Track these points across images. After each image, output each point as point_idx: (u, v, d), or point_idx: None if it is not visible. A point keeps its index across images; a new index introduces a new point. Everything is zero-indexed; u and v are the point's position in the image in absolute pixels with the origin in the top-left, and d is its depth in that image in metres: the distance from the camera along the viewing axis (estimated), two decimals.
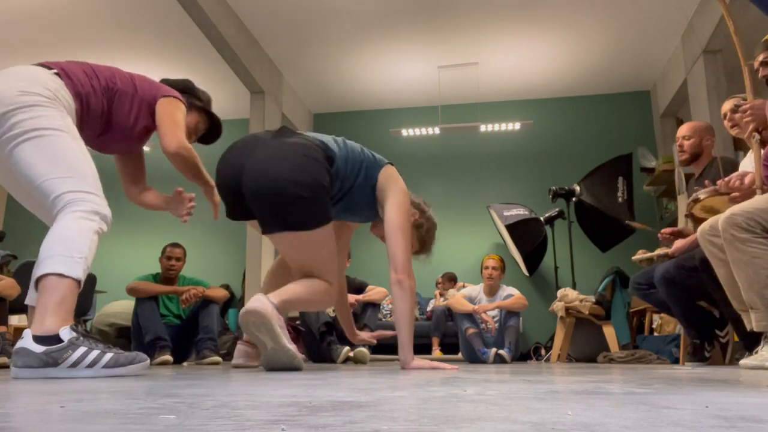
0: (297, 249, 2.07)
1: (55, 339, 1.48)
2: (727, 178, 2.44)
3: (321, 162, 2.03)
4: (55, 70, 1.83)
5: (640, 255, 3.34)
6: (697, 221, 2.73)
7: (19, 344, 1.47)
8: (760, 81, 2.46)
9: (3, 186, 1.88)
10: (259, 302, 1.82)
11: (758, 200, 2.18)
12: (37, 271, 1.57)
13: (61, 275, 1.55)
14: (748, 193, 2.42)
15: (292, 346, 1.85)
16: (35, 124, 1.69)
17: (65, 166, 1.70)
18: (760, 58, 2.48)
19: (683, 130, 3.15)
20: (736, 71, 5.60)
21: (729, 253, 2.16)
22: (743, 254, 2.12)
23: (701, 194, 2.58)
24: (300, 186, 1.93)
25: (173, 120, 1.99)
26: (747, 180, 2.38)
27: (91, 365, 1.48)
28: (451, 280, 5.95)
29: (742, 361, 2.32)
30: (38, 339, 1.46)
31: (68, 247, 1.60)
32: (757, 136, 2.27)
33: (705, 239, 2.39)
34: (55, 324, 1.49)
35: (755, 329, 2.24)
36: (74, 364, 1.46)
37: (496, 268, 4.18)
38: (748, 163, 2.72)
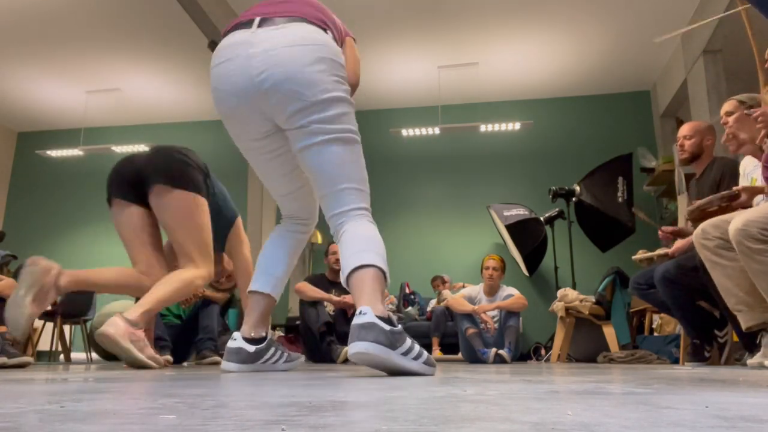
0: (176, 213, 2.34)
1: (388, 321, 1.48)
2: (666, 229, 2.47)
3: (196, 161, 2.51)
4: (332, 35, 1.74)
5: (641, 255, 3.34)
6: (699, 219, 2.73)
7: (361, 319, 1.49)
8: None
9: (255, 167, 1.94)
10: (111, 326, 2.03)
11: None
12: (355, 262, 1.56)
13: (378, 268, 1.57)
14: (751, 195, 2.43)
15: (142, 355, 2.08)
16: (351, 124, 1.68)
17: (365, 180, 1.73)
18: None
19: (684, 129, 3.15)
20: (736, 71, 5.61)
21: (746, 265, 2.15)
22: (763, 265, 2.11)
23: (701, 202, 2.57)
24: (183, 155, 2.44)
25: None
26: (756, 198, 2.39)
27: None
28: (444, 282, 5.97)
29: (749, 361, 2.33)
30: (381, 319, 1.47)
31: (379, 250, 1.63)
32: None
33: (698, 243, 2.41)
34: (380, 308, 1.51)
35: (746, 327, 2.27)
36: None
37: (497, 269, 4.18)
38: (748, 164, 2.72)
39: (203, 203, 2.44)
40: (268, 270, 2.01)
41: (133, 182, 2.44)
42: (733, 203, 2.47)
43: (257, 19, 1.67)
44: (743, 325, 2.32)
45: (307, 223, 2.13)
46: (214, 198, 2.65)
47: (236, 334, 1.93)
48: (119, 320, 2.08)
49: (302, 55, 1.60)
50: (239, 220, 2.86)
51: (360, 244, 1.60)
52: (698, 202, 2.57)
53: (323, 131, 1.64)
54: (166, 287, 2.24)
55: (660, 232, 3.14)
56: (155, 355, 2.21)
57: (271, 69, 1.60)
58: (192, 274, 2.33)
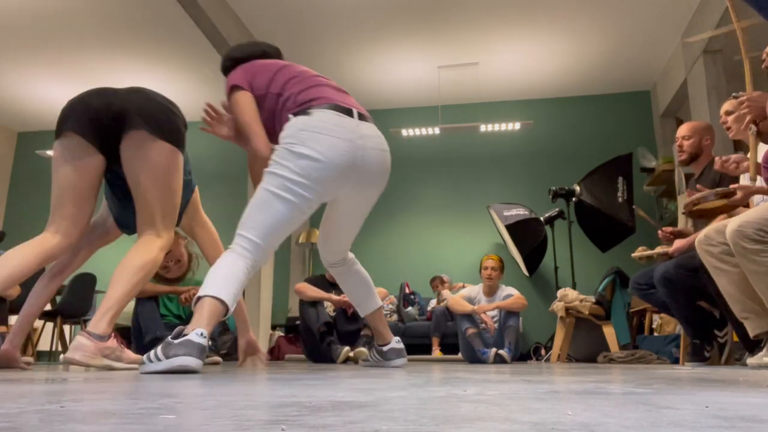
0: (155, 169, 2.03)
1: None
2: (725, 157, 2.43)
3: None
4: None
5: (640, 252, 3.34)
6: (696, 217, 2.73)
7: None
8: (760, 75, 2.46)
9: (329, 219, 2.32)
10: (77, 351, 1.83)
11: (765, 209, 2.17)
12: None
13: None
14: (746, 193, 2.42)
15: (121, 364, 1.96)
16: None
17: None
18: None
19: (683, 130, 3.15)
20: (736, 71, 5.61)
21: (743, 265, 2.15)
22: (759, 265, 2.10)
23: (699, 198, 2.57)
24: (168, 101, 2.12)
25: None
26: (743, 165, 2.37)
27: None
28: (442, 282, 5.97)
29: (749, 360, 2.33)
30: None
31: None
32: (753, 128, 2.26)
33: (701, 249, 2.40)
34: None
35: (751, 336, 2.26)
36: None
37: (495, 269, 4.18)
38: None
39: (182, 164, 2.12)
40: None
41: (102, 120, 2.02)
42: (728, 200, 2.47)
43: (356, 112, 2.12)
44: (751, 333, 2.31)
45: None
46: (186, 164, 2.34)
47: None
48: (84, 339, 1.84)
49: (387, 159, 2.21)
50: (197, 190, 2.58)
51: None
52: (694, 196, 2.57)
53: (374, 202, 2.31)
54: (126, 282, 1.96)
55: (660, 232, 3.14)
56: (134, 356, 2.08)
57: (372, 160, 2.12)
58: (150, 253, 2.02)
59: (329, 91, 2.15)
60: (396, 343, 2.43)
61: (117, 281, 1.96)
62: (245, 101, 2.14)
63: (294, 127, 1.99)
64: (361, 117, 2.12)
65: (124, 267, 1.98)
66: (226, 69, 2.34)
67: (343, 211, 2.27)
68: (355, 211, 2.27)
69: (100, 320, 1.89)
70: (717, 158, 2.46)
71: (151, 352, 1.69)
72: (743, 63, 2.26)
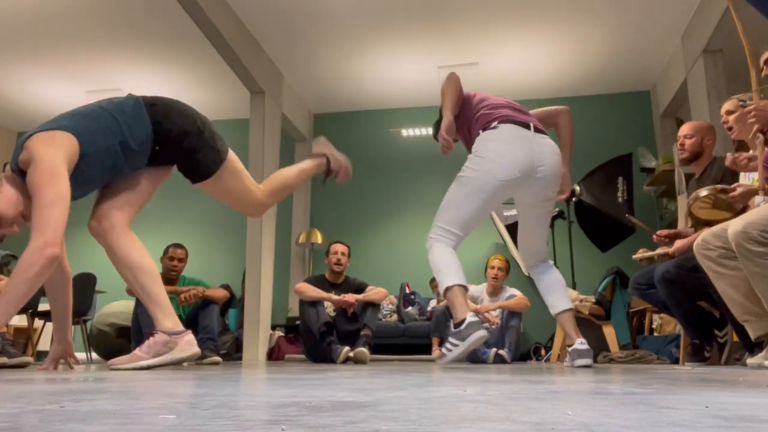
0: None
1: None
2: (737, 154, 2.43)
3: None
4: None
5: (641, 254, 3.34)
6: (697, 220, 2.73)
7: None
8: (765, 81, 2.46)
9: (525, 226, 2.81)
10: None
11: None
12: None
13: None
14: (748, 194, 2.42)
15: (145, 362, 2.04)
16: None
17: None
18: (766, 56, 2.47)
19: (685, 129, 3.15)
20: (736, 71, 5.61)
21: (746, 267, 2.14)
22: (762, 268, 2.10)
23: (702, 191, 2.57)
24: None
25: None
26: (752, 164, 2.36)
27: None
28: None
29: (749, 360, 2.33)
30: None
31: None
32: (761, 137, 2.26)
33: (699, 254, 2.39)
34: None
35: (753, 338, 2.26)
36: None
37: (502, 269, 4.18)
38: None
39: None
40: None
41: None
42: (726, 195, 2.46)
43: (532, 125, 2.59)
44: (752, 336, 2.31)
45: None
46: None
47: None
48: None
49: (559, 162, 2.67)
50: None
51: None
52: (695, 193, 2.59)
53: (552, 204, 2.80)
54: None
55: (655, 237, 3.13)
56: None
57: (547, 163, 2.57)
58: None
59: (517, 114, 2.65)
60: (579, 344, 2.64)
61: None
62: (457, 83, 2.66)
63: (482, 140, 2.56)
64: (537, 131, 2.61)
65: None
66: None
67: (530, 214, 2.73)
68: (540, 211, 2.72)
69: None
70: (729, 154, 2.45)
71: (449, 345, 2.26)
72: (748, 68, 2.26)
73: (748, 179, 2.69)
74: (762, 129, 2.25)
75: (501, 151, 2.47)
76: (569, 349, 2.66)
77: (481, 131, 2.56)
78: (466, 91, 2.76)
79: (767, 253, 2.09)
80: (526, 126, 2.56)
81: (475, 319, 2.26)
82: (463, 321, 2.25)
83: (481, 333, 2.23)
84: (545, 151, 2.57)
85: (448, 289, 2.34)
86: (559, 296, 2.72)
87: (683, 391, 0.94)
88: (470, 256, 6.51)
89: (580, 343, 2.60)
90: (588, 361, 2.60)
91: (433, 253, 2.45)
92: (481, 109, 2.66)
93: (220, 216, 7.10)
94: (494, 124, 2.54)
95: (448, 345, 2.28)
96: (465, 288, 2.37)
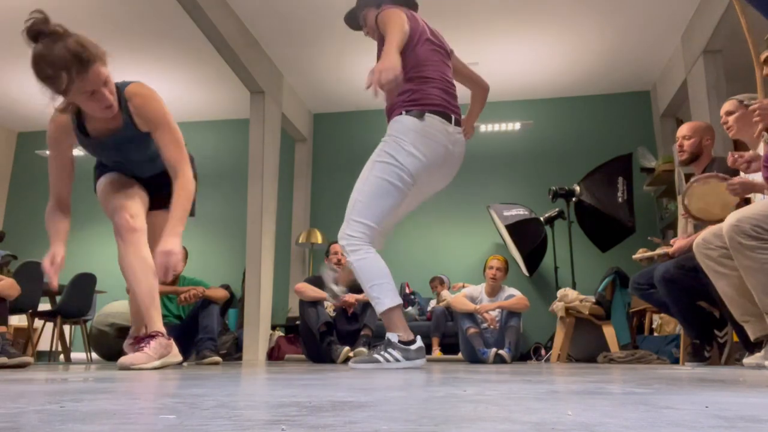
0: None
1: None
2: (737, 154, 2.42)
3: None
4: None
5: (641, 254, 3.34)
6: (694, 217, 2.73)
7: None
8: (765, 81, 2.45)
9: (403, 201, 2.42)
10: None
11: (762, 206, 2.17)
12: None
13: None
14: (747, 185, 2.41)
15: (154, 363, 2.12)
16: None
17: None
18: (766, 55, 2.47)
19: (683, 129, 3.15)
20: (736, 71, 5.61)
21: (738, 261, 2.15)
22: (753, 261, 2.10)
23: (694, 180, 2.58)
24: None
25: None
26: (753, 165, 2.36)
27: None
28: (442, 282, 5.97)
29: (746, 360, 2.33)
30: None
31: None
32: (766, 135, 2.26)
33: (700, 253, 2.39)
34: None
35: (752, 339, 2.26)
36: None
37: (500, 269, 4.18)
38: None
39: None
40: None
41: None
42: (726, 186, 2.46)
43: (454, 118, 2.44)
44: (751, 336, 2.31)
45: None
46: None
47: None
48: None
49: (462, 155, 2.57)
50: None
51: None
52: (693, 178, 2.59)
53: None
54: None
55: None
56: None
57: (455, 163, 2.48)
58: None
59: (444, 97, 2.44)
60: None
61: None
62: (402, 20, 2.30)
63: (404, 125, 2.32)
64: (456, 122, 2.44)
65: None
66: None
67: (408, 200, 2.49)
68: (417, 199, 2.54)
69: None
70: (730, 153, 2.44)
71: (385, 354, 2.11)
72: (748, 68, 2.26)
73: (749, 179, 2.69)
74: (767, 128, 2.24)
75: (423, 146, 2.29)
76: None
77: (402, 112, 2.30)
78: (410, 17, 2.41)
79: (759, 247, 2.09)
80: (450, 120, 2.39)
81: (423, 345, 2.18)
82: (413, 342, 2.14)
83: (425, 362, 2.14)
84: (458, 152, 2.44)
85: (391, 309, 2.17)
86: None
87: (683, 391, 0.94)
88: (469, 257, 6.52)
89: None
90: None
91: (364, 261, 2.20)
92: (423, 67, 2.37)
93: (220, 216, 7.10)
94: (426, 111, 2.31)
95: (389, 354, 2.11)
96: (400, 306, 2.26)
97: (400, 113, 2.32)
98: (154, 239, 2.49)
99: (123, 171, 2.52)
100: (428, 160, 2.29)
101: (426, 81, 2.37)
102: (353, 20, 2.64)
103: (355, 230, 2.22)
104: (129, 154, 2.39)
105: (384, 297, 2.16)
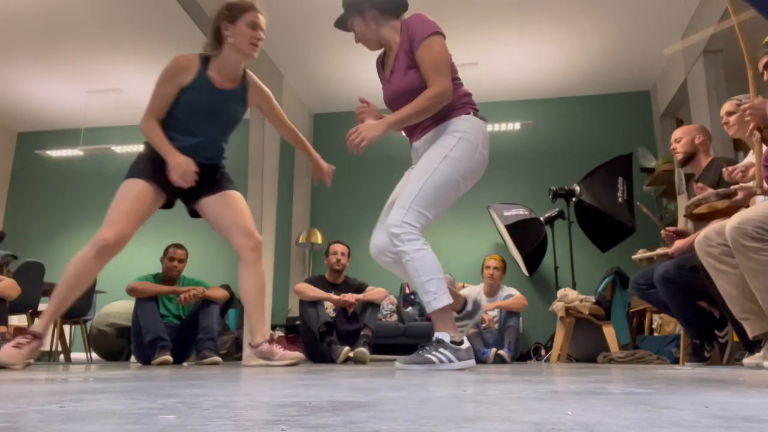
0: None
1: None
2: (731, 168, 2.43)
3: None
4: None
5: (641, 254, 3.35)
6: (696, 219, 2.73)
7: None
8: (763, 81, 2.46)
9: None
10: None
11: (765, 207, 2.16)
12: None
13: None
14: (747, 194, 2.42)
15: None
16: None
17: None
18: (765, 60, 2.48)
19: (675, 134, 3.20)
20: (736, 71, 5.61)
21: (741, 263, 2.14)
22: (756, 263, 2.10)
23: (701, 199, 2.57)
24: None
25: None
26: (749, 172, 2.37)
27: None
28: None
29: (745, 360, 2.33)
30: None
31: None
32: (757, 134, 2.26)
33: (701, 250, 2.39)
34: None
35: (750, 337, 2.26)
36: None
37: (498, 269, 4.18)
38: (747, 164, 2.72)
39: (127, 189, 2.52)
40: None
41: None
42: (730, 200, 2.47)
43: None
44: (750, 334, 2.31)
45: None
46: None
47: None
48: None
49: None
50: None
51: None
52: (695, 198, 2.57)
53: None
54: (65, 281, 2.41)
55: (663, 232, 3.14)
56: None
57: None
58: (87, 253, 2.45)
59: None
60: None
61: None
62: (445, 48, 2.23)
63: (476, 128, 2.24)
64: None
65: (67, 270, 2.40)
66: (393, 9, 2.37)
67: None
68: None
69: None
70: (724, 170, 2.47)
71: (440, 355, 2.02)
72: (746, 68, 2.26)
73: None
74: (758, 127, 2.25)
75: (487, 150, 2.30)
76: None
77: (471, 113, 2.26)
78: None
79: (762, 249, 2.09)
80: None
81: (471, 345, 2.11)
82: (461, 343, 2.06)
83: (473, 364, 2.08)
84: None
85: (446, 308, 2.06)
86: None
87: (683, 391, 0.94)
88: (469, 257, 6.51)
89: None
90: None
91: (422, 252, 2.08)
92: (458, 84, 2.33)
93: None
94: (480, 114, 2.33)
95: (441, 353, 2.03)
96: (450, 305, 2.12)
97: (468, 113, 2.27)
98: (235, 215, 2.65)
99: (189, 152, 2.57)
100: (485, 163, 2.29)
101: (465, 91, 2.37)
102: (343, 24, 2.61)
103: (415, 219, 2.09)
104: (220, 122, 2.62)
105: (442, 294, 2.05)
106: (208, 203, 2.65)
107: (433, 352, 2.03)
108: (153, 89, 2.53)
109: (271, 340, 2.63)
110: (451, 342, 2.05)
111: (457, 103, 2.28)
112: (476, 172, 2.25)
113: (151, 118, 2.53)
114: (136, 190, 2.48)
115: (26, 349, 2.30)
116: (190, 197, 2.69)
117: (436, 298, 2.06)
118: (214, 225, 2.68)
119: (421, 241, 2.09)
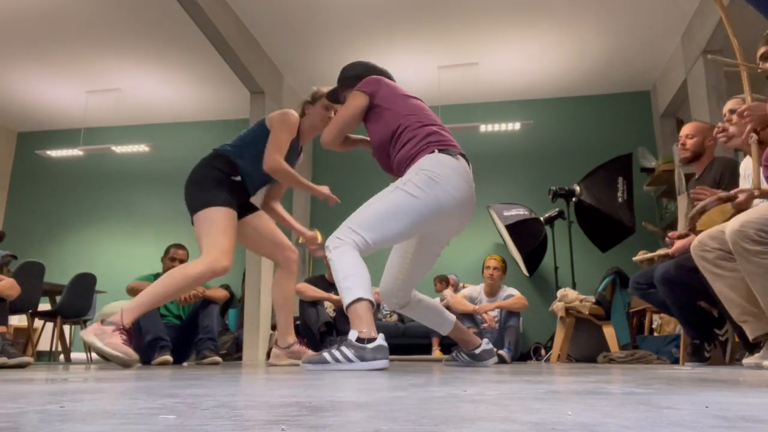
0: (195, 227, 2.69)
1: None
2: (671, 233, 2.49)
3: (209, 162, 2.80)
4: None
5: (641, 256, 3.35)
6: (698, 233, 2.72)
7: None
8: (759, 81, 2.46)
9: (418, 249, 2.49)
10: (85, 332, 2.41)
11: (765, 209, 2.16)
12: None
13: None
14: (748, 196, 2.42)
15: (117, 351, 2.41)
16: None
17: None
18: (762, 51, 2.47)
19: (687, 128, 3.15)
20: (736, 71, 5.60)
21: (742, 266, 2.14)
22: (757, 267, 2.09)
23: (704, 206, 2.56)
24: (190, 183, 2.75)
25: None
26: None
27: None
28: (442, 281, 5.96)
29: (745, 360, 2.32)
30: None
31: None
32: (754, 136, 2.26)
33: (696, 255, 2.39)
34: None
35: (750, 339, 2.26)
36: None
37: (498, 269, 4.18)
38: (748, 165, 2.71)
39: (212, 212, 2.65)
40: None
41: None
42: (732, 203, 2.47)
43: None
44: (750, 336, 2.31)
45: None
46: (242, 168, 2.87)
47: None
48: (94, 326, 2.48)
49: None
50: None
51: None
52: (697, 207, 2.57)
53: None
54: (163, 285, 2.56)
55: (667, 238, 3.14)
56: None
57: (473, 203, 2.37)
58: (194, 268, 2.59)
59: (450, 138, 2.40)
60: (486, 344, 2.61)
61: (156, 282, 2.55)
62: (361, 104, 2.46)
63: (440, 163, 2.22)
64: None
65: (166, 275, 2.55)
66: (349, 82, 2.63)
67: (425, 250, 2.47)
68: (436, 249, 2.48)
69: (127, 305, 2.53)
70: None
71: (338, 354, 1.89)
72: (741, 71, 2.26)
73: (747, 182, 2.69)
74: (755, 128, 2.25)
75: (463, 189, 2.23)
76: (477, 351, 2.61)
77: (435, 151, 2.24)
78: (386, 84, 2.45)
79: (763, 252, 2.08)
80: (466, 158, 2.35)
81: (386, 344, 1.92)
82: (373, 340, 1.89)
83: (386, 364, 1.89)
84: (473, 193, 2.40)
85: (358, 300, 1.96)
86: (443, 319, 2.60)
87: (683, 391, 0.94)
88: (469, 256, 6.51)
89: (486, 343, 2.63)
90: (496, 358, 2.68)
91: (344, 255, 2.05)
92: (420, 123, 2.35)
93: None
94: (451, 151, 2.27)
95: (339, 353, 1.88)
96: (373, 305, 2.02)
97: (432, 151, 2.25)
98: (275, 232, 2.96)
99: (255, 179, 2.89)
100: (461, 197, 2.22)
101: (438, 129, 2.36)
102: (335, 97, 2.74)
103: (345, 235, 2.10)
104: (289, 162, 2.93)
105: (356, 288, 1.97)
106: (250, 221, 2.92)
107: (333, 351, 1.91)
108: (276, 133, 2.80)
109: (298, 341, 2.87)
110: (358, 340, 1.90)
111: (421, 144, 2.29)
112: (447, 206, 2.18)
113: (281, 157, 2.77)
114: (232, 220, 2.68)
115: None
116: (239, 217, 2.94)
117: (348, 291, 1.99)
118: (255, 240, 2.93)
119: (346, 247, 2.08)
